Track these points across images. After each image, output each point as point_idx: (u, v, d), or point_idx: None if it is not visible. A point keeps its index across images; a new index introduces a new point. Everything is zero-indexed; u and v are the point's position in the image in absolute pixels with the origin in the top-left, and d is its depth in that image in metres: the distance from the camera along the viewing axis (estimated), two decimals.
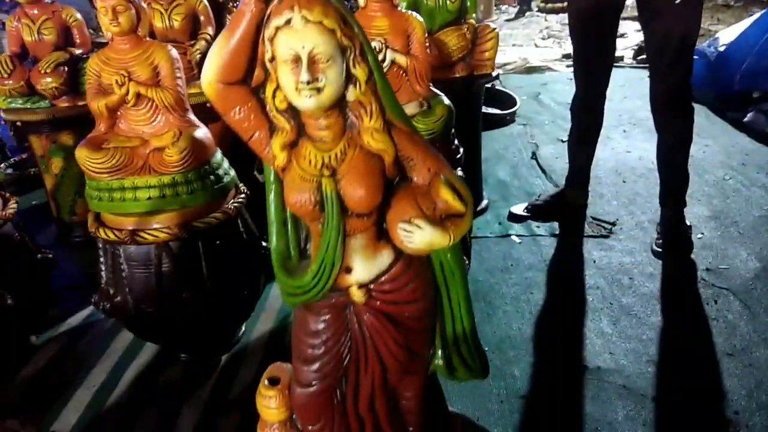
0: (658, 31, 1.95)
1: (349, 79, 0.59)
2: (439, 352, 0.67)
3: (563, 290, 1.95)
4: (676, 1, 1.85)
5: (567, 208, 2.44)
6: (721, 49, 3.70)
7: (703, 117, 3.44)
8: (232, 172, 1.63)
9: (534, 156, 3.17)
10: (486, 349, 1.60)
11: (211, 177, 1.54)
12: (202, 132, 1.51)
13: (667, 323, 1.75)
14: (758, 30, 3.53)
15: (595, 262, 2.10)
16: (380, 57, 1.48)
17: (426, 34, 1.54)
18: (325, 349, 0.61)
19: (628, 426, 1.39)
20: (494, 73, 2.31)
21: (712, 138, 3.17)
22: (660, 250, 2.09)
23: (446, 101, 1.55)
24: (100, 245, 1.55)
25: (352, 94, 0.60)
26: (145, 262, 1.50)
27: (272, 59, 0.57)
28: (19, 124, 2.29)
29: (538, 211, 2.44)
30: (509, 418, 1.42)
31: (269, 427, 0.65)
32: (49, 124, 2.28)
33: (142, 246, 1.49)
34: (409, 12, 1.56)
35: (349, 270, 0.61)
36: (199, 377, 1.64)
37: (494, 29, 2.22)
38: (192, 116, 1.53)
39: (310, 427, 0.63)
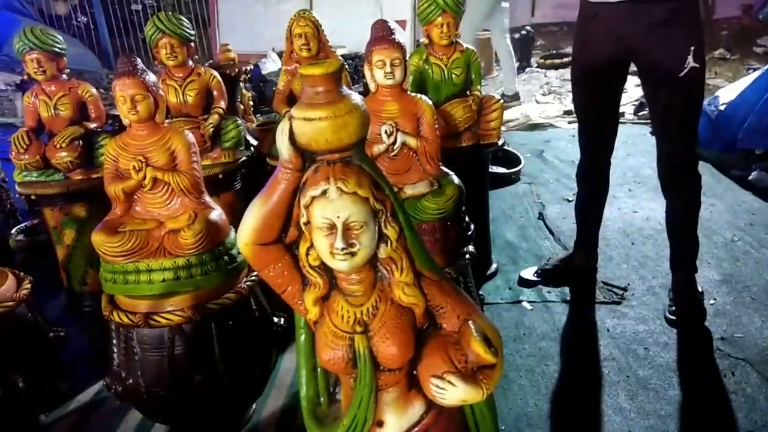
0: (663, 99, 1.99)
1: (381, 238, 0.61)
2: None
3: (578, 362, 1.92)
4: (680, 75, 1.89)
5: (577, 273, 2.44)
6: (722, 107, 3.76)
7: (707, 175, 3.44)
8: None
9: (541, 216, 3.18)
10: (503, 428, 1.57)
11: (225, 257, 1.55)
12: (217, 214, 1.54)
13: (686, 397, 1.72)
14: (758, 88, 3.60)
15: (608, 330, 2.08)
16: (391, 140, 1.52)
17: (435, 116, 1.58)
18: None
19: None
20: (500, 142, 2.35)
21: (717, 197, 3.19)
22: (674, 317, 2.07)
23: (456, 180, 1.57)
24: (113, 327, 1.55)
25: (383, 252, 0.61)
26: (158, 345, 1.50)
27: (307, 223, 0.59)
28: (33, 197, 2.32)
29: (549, 276, 2.44)
30: None
31: None
32: (62, 196, 2.31)
33: (155, 329, 1.49)
34: (419, 96, 1.60)
35: (381, 424, 0.61)
36: None
37: (499, 100, 2.27)
38: (207, 198, 1.56)
39: None
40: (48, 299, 2.51)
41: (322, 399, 0.63)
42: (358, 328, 0.60)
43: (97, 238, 1.46)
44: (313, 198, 0.57)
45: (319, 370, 0.64)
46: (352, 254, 0.58)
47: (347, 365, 0.60)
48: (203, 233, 1.48)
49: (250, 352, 1.60)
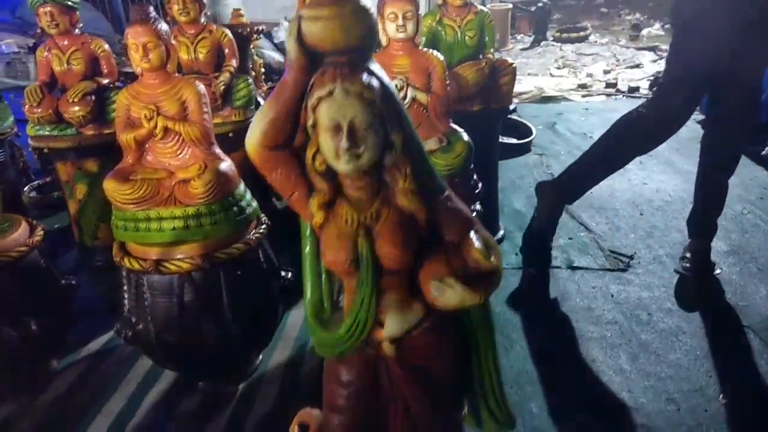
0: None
1: (386, 144, 0.61)
2: (467, 402, 0.68)
3: (581, 324, 1.94)
4: None
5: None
6: None
7: None
8: (255, 204, 1.66)
9: None
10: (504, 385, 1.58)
11: (234, 208, 1.57)
12: (227, 165, 1.55)
13: (687, 361, 1.74)
14: None
15: (613, 296, 2.09)
16: (402, 94, 1.52)
17: (446, 72, 1.57)
18: (356, 399, 0.63)
19: None
20: (511, 106, 2.34)
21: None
22: (685, 273, 2.08)
23: (465, 137, 1.57)
24: (124, 274, 1.58)
25: (388, 159, 0.62)
26: (167, 291, 1.53)
27: (314, 125, 0.59)
28: (45, 150, 2.34)
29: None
30: None
31: None
32: (74, 151, 2.33)
33: (165, 276, 1.51)
34: (430, 51, 1.59)
35: (381, 324, 0.62)
36: (216, 405, 1.65)
37: (512, 63, 2.25)
38: (217, 149, 1.57)
39: None
40: (60, 254, 2.56)
41: (326, 305, 0.65)
42: (362, 231, 0.61)
43: (109, 185, 1.48)
44: (320, 98, 0.58)
45: (323, 277, 0.65)
46: (357, 156, 0.59)
47: (350, 266, 0.61)
48: (213, 183, 1.49)
49: (258, 302, 1.63)
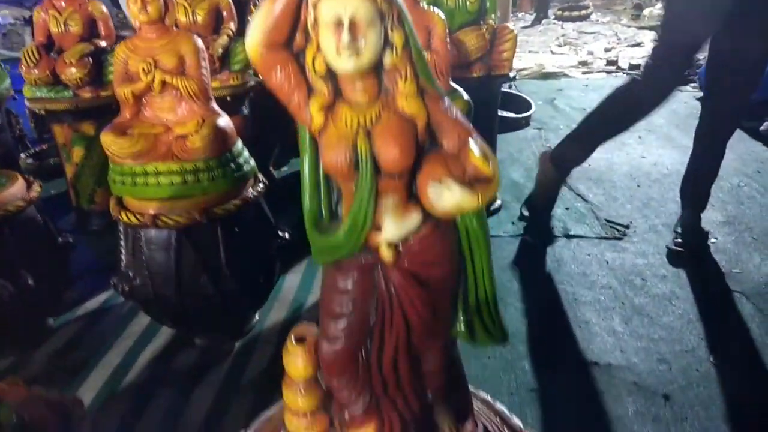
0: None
1: (387, 43, 0.62)
2: (461, 316, 0.69)
3: (575, 288, 1.96)
4: None
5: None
6: None
7: None
8: (252, 162, 1.66)
9: None
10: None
11: (232, 165, 1.57)
12: (224, 121, 1.54)
13: (679, 324, 1.75)
14: None
15: (608, 263, 2.11)
16: None
17: (446, 30, 1.56)
18: (353, 306, 0.63)
19: (638, 422, 1.40)
20: (511, 74, 2.33)
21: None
22: (678, 248, 2.09)
23: (465, 96, 1.57)
24: (121, 229, 1.59)
25: (388, 59, 0.62)
26: (165, 246, 1.53)
27: (314, 23, 0.59)
28: (42, 112, 2.33)
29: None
30: (519, 410, 1.43)
31: (295, 384, 0.67)
32: (71, 113, 2.33)
33: (162, 230, 1.52)
34: (431, 8, 1.58)
35: (379, 228, 0.63)
36: (212, 362, 1.67)
37: (512, 30, 2.24)
38: (215, 105, 1.56)
39: (334, 382, 0.65)
40: (57, 219, 2.56)
41: (324, 214, 0.66)
42: (361, 132, 0.61)
43: (106, 138, 1.47)
44: None
45: (321, 186, 0.66)
46: (358, 52, 0.59)
47: (349, 167, 0.61)
48: (211, 138, 1.49)
49: (255, 259, 1.64)
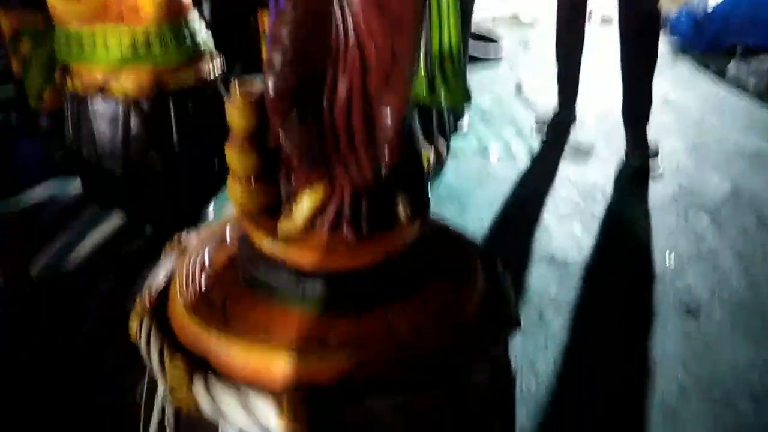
0: None
1: None
2: (423, 70, 0.65)
3: (537, 199, 1.95)
4: None
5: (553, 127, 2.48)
6: (709, 10, 3.73)
7: (687, 70, 3.46)
8: (210, 40, 1.59)
9: (519, 90, 3.15)
10: None
11: (187, 40, 1.49)
12: None
13: (638, 229, 1.77)
14: None
15: (570, 179, 2.10)
16: None
17: None
18: (306, 33, 0.57)
19: (587, 305, 1.42)
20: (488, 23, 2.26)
21: (693, 88, 3.19)
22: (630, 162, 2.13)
23: None
24: (68, 101, 1.50)
25: None
26: (112, 119, 1.46)
27: None
28: None
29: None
30: None
31: (237, 141, 0.62)
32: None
33: (110, 102, 1.44)
34: None
35: None
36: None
37: None
38: None
39: (280, 129, 0.59)
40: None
41: None
42: None
43: None
44: None
45: None
46: None
47: None
48: (163, 3, 1.40)
49: (208, 141, 1.56)
